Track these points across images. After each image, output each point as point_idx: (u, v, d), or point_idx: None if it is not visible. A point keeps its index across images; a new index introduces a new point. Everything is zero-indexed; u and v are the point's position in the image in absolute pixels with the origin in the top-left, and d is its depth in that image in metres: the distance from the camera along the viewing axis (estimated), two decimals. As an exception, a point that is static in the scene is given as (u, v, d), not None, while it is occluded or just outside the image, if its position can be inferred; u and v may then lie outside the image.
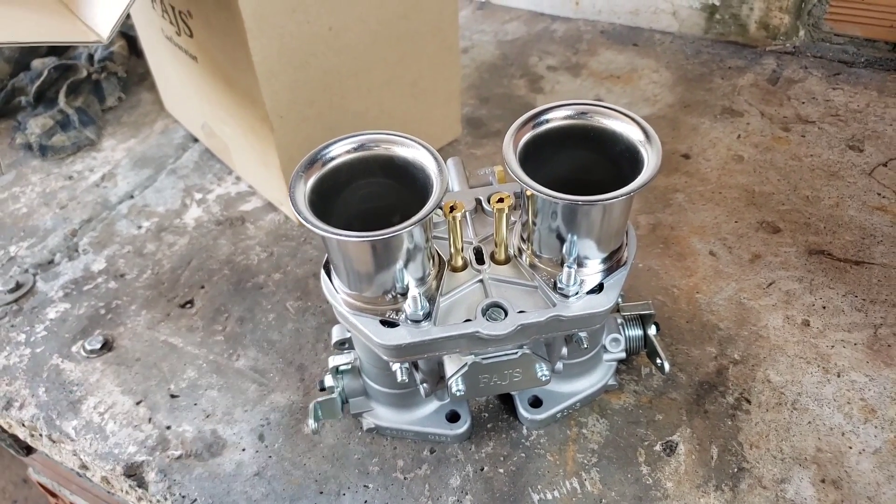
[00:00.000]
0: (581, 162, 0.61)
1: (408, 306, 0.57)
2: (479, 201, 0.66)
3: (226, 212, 0.98)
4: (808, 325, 0.78)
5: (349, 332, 0.65)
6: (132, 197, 1.03)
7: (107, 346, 0.82)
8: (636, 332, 0.70)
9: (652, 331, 0.70)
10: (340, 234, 0.51)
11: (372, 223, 0.53)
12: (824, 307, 0.79)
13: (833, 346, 0.75)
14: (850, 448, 0.67)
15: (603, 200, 0.52)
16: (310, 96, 0.84)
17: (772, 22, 1.20)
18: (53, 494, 1.16)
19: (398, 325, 0.57)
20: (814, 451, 0.67)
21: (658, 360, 0.69)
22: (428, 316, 0.57)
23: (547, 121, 0.58)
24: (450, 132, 1.06)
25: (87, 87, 1.14)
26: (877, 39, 1.15)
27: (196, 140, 1.11)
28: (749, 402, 0.71)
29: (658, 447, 0.68)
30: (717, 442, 0.68)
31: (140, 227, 0.97)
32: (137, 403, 0.76)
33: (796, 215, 0.90)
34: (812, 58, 1.18)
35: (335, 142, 0.56)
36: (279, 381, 0.77)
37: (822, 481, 0.65)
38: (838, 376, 0.73)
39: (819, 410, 0.70)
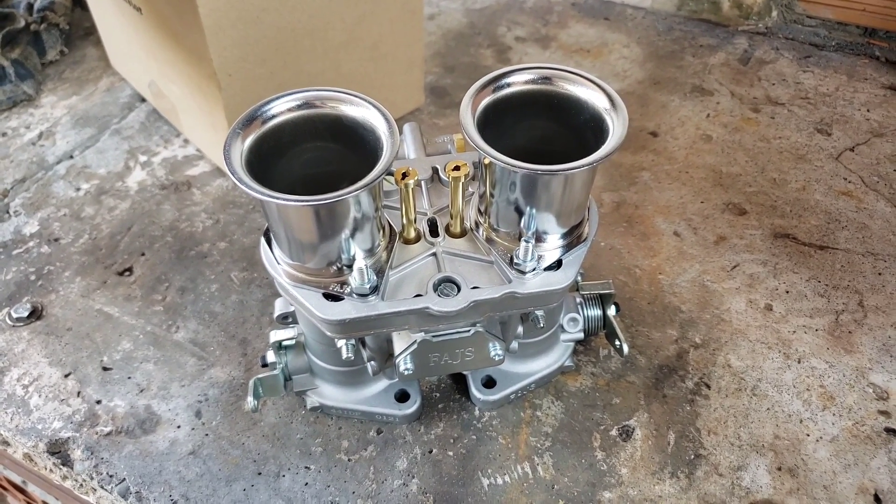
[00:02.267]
0: (543, 131, 0.57)
1: (353, 279, 0.53)
2: (435, 170, 0.62)
3: (171, 176, 0.93)
4: (771, 309, 0.76)
5: (292, 305, 0.61)
6: (71, 157, 0.96)
7: (35, 314, 0.76)
8: (595, 312, 0.67)
9: (611, 311, 0.67)
10: (279, 198, 0.47)
11: (317, 190, 0.49)
12: (787, 292, 0.78)
13: (795, 332, 0.74)
14: (808, 436, 0.66)
15: (564, 170, 0.49)
16: (261, 54, 0.79)
17: (745, 1, 1.18)
18: (-14, 469, 1.10)
19: (343, 298, 0.54)
20: (771, 439, 0.65)
21: (617, 342, 0.66)
22: (375, 290, 0.53)
23: (508, 84, 0.54)
24: (412, 100, 1.01)
25: (26, 39, 1.07)
26: (848, 23, 1.13)
27: (143, 100, 1.05)
28: (708, 387, 0.69)
29: (614, 432, 0.66)
30: (674, 427, 0.66)
31: (79, 190, 0.91)
32: (66, 376, 0.71)
33: (763, 197, 0.88)
34: (784, 39, 1.16)
35: (277, 98, 0.52)
36: (220, 355, 0.72)
37: (779, 469, 0.63)
38: (799, 362, 0.71)
39: (778, 397, 0.68)
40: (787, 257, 0.81)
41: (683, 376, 0.70)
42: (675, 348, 0.72)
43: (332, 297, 0.54)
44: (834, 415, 0.67)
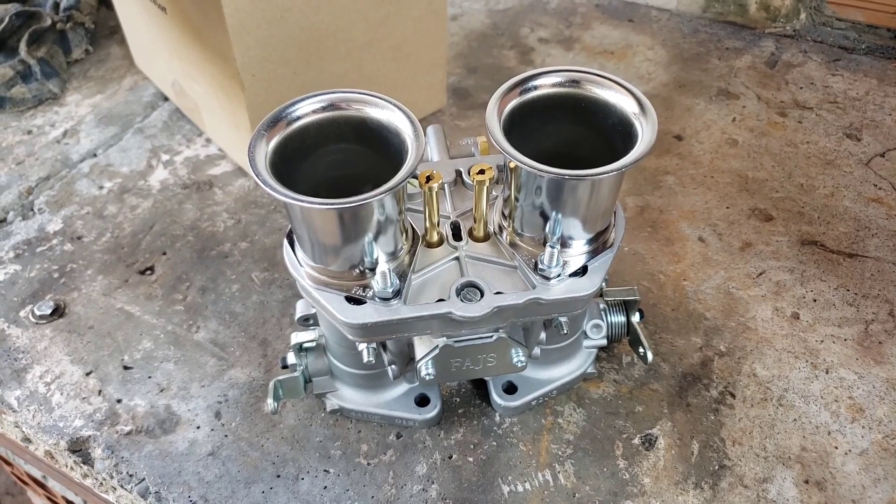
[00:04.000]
0: (570, 135, 0.57)
1: (376, 283, 0.52)
2: (459, 173, 0.62)
3: (193, 175, 0.93)
4: (798, 318, 0.74)
5: (313, 307, 0.61)
6: (95, 155, 0.97)
7: (58, 311, 0.77)
8: (619, 318, 0.67)
9: (636, 318, 0.66)
10: (304, 201, 0.47)
11: (341, 192, 0.49)
12: (815, 300, 0.76)
13: (822, 341, 0.72)
14: (836, 448, 0.64)
15: (592, 176, 0.48)
16: (284, 54, 0.79)
17: (773, 3, 1.16)
18: (8, 463, 1.11)
19: (365, 302, 0.53)
20: (798, 451, 0.64)
21: (641, 349, 0.65)
22: (398, 294, 0.53)
23: (535, 87, 0.54)
24: (434, 101, 1.01)
25: (52, 37, 1.07)
26: (879, 26, 1.11)
27: (166, 99, 1.05)
28: (733, 396, 0.68)
29: (637, 440, 0.65)
30: (698, 437, 0.65)
31: (102, 188, 0.92)
32: (87, 374, 0.71)
33: (790, 203, 0.87)
34: (812, 42, 1.14)
35: (302, 99, 0.51)
36: (240, 355, 0.72)
37: (806, 482, 0.62)
38: (826, 373, 0.70)
39: (805, 408, 0.67)
40: (814, 265, 0.80)
41: (708, 385, 0.69)
42: (700, 356, 0.71)
43: (355, 301, 0.53)
44: (863, 427, 0.65)
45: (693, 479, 0.62)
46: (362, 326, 0.52)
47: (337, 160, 0.55)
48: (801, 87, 1.05)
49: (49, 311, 0.76)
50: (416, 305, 0.53)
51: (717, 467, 0.63)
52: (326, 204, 0.46)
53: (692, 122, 0.99)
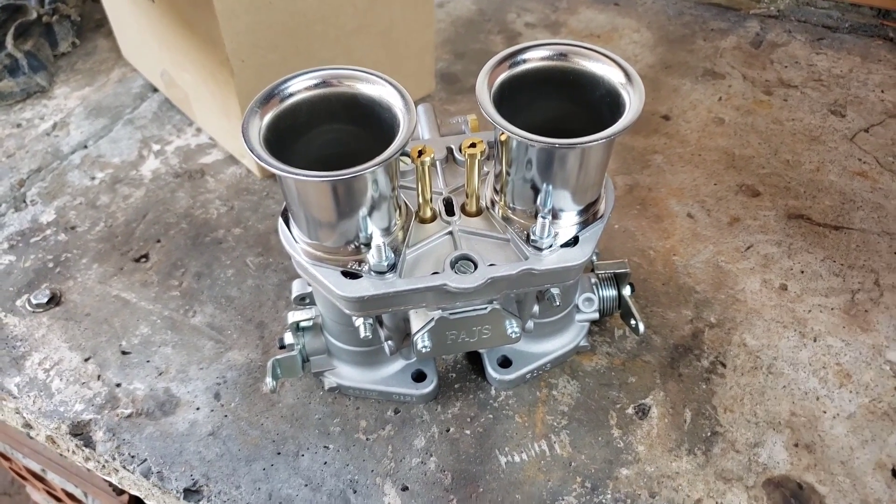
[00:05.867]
0: (559, 109, 0.57)
1: (371, 257, 0.53)
2: (450, 150, 0.63)
3: (185, 164, 0.93)
4: (786, 289, 0.76)
5: (309, 284, 0.61)
6: (86, 147, 0.97)
7: (54, 300, 0.77)
8: (610, 292, 0.68)
9: (627, 291, 0.68)
10: (298, 174, 0.47)
11: (335, 170, 0.49)
12: (802, 272, 0.77)
13: (810, 311, 0.74)
14: (825, 413, 0.65)
15: (581, 144, 0.49)
16: (273, 40, 0.79)
17: (756, -16, 1.17)
18: (6, 458, 1.12)
19: (361, 276, 0.54)
20: (788, 416, 0.65)
21: (632, 322, 0.67)
22: (393, 267, 0.54)
23: (524, 60, 0.55)
24: (423, 87, 1.01)
25: (38, 31, 1.07)
26: (861, 4, 1.13)
27: (156, 90, 1.06)
28: (724, 365, 0.69)
29: (630, 410, 0.66)
30: (690, 405, 0.66)
31: (94, 179, 0.92)
32: (86, 360, 0.72)
33: (776, 179, 0.88)
34: (796, 22, 1.15)
35: (295, 76, 0.52)
36: (237, 338, 0.73)
37: (796, 445, 0.63)
38: (814, 341, 0.71)
39: (794, 375, 0.68)
40: (801, 238, 0.81)
41: (699, 355, 0.70)
42: (691, 328, 0.72)
43: (351, 275, 0.54)
44: (850, 392, 0.67)
45: (686, 445, 0.63)
46: (359, 300, 0.53)
47: (330, 139, 0.56)
48: (786, 66, 1.06)
49: (45, 300, 0.76)
50: (412, 278, 0.54)
51: (709, 434, 0.64)
52: (320, 176, 0.47)
53: (679, 102, 1.00)
